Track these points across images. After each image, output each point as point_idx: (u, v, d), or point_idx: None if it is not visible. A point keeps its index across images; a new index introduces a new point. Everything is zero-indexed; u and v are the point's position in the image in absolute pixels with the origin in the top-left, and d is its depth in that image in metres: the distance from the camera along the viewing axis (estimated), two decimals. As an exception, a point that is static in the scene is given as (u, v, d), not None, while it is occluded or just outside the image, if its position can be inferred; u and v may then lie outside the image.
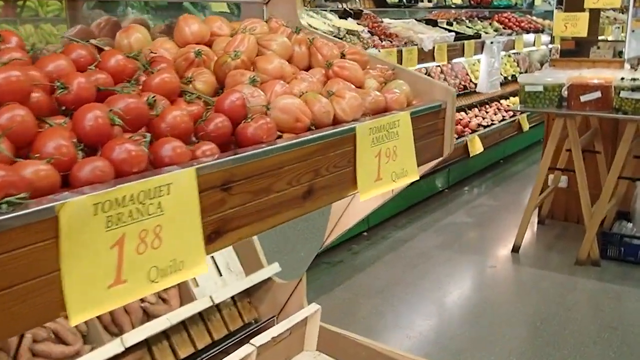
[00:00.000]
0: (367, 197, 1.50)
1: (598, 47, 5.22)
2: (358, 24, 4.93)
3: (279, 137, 1.35)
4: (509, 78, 7.22)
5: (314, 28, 4.20)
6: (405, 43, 4.96)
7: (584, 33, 4.64)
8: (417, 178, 1.66)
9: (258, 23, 1.74)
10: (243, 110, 1.28)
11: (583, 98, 3.94)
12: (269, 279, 2.39)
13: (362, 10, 5.24)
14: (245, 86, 1.42)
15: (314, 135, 1.34)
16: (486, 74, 6.11)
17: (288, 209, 1.31)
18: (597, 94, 3.90)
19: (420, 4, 6.11)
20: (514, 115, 6.75)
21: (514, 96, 7.13)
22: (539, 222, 5.02)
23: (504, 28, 6.93)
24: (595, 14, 4.94)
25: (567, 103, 4.04)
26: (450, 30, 5.82)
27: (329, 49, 1.73)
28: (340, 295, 3.82)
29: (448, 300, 3.75)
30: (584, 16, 4.59)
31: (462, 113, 6.47)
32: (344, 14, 4.93)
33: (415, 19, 6.03)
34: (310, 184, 1.35)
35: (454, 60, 6.28)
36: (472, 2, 6.96)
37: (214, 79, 1.49)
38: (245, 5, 2.16)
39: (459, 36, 5.80)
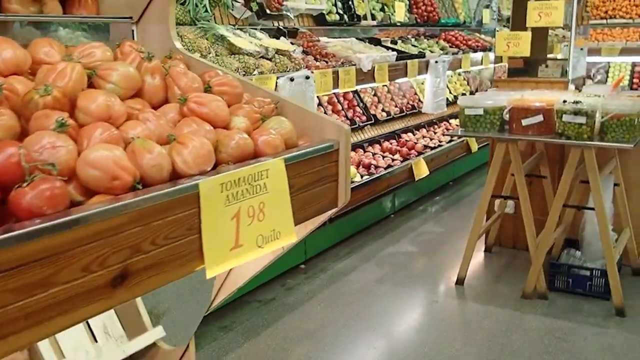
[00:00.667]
0: (219, 272, 1.17)
1: (546, 66, 5.05)
2: (292, 43, 4.64)
3: (80, 203, 1.01)
4: (459, 97, 7.04)
5: (238, 48, 3.88)
6: (343, 63, 4.68)
7: (526, 53, 4.44)
8: (294, 240, 1.34)
9: (99, 48, 1.40)
10: (19, 171, 0.94)
11: (525, 122, 3.71)
12: (154, 344, 2.03)
13: (297, 29, 4.94)
14: (47, 133, 1.08)
15: (127, 201, 1.00)
16: (431, 95, 5.88)
17: (87, 303, 0.96)
18: (539, 118, 3.67)
19: (364, 22, 5.84)
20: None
21: (463, 116, 6.92)
22: (485, 250, 4.76)
23: (450, 46, 6.74)
24: (543, 32, 4.75)
25: (509, 127, 3.80)
26: (393, 49, 5.58)
27: (189, 80, 1.40)
28: (266, 341, 3.47)
29: (382, 344, 3.43)
30: (526, 35, 4.39)
31: (410, 134, 6.23)
32: (277, 33, 4.62)
33: (358, 38, 5.77)
34: (124, 265, 1.01)
35: (402, 80, 6.04)
36: (418, 20, 6.75)
37: (15, 122, 1.14)
38: (113, 26, 1.82)
39: (402, 55, 5.56)
